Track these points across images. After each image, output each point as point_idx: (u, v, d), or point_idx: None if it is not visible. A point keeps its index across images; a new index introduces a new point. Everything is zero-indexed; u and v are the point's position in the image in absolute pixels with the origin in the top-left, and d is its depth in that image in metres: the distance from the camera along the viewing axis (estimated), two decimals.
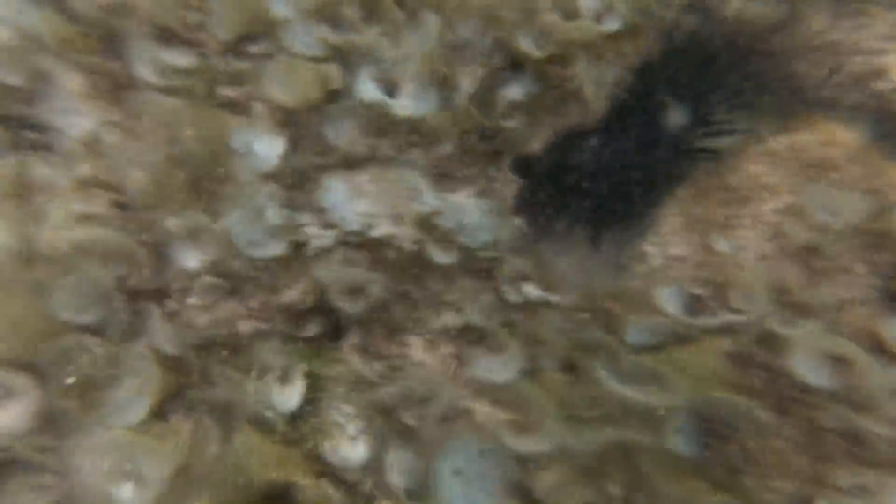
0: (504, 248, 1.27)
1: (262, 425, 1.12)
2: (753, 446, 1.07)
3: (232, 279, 1.20)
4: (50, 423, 1.07)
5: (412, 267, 1.25)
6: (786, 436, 1.07)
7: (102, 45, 1.18)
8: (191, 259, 1.19)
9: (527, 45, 1.26)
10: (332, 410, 1.15)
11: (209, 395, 1.13)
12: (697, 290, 1.22)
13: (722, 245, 1.23)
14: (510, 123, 1.28)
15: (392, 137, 1.26)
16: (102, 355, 1.09)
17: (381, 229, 1.24)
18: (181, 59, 1.21)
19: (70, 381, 1.07)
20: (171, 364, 1.13)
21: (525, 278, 1.26)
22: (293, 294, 1.21)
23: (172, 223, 1.18)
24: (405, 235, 1.24)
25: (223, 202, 1.20)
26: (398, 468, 1.12)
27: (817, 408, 1.08)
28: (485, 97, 1.27)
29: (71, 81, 1.16)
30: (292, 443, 1.13)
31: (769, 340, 1.13)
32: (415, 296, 1.24)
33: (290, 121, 1.24)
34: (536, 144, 1.30)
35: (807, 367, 1.10)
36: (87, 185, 1.17)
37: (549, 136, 1.30)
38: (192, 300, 1.18)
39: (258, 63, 1.23)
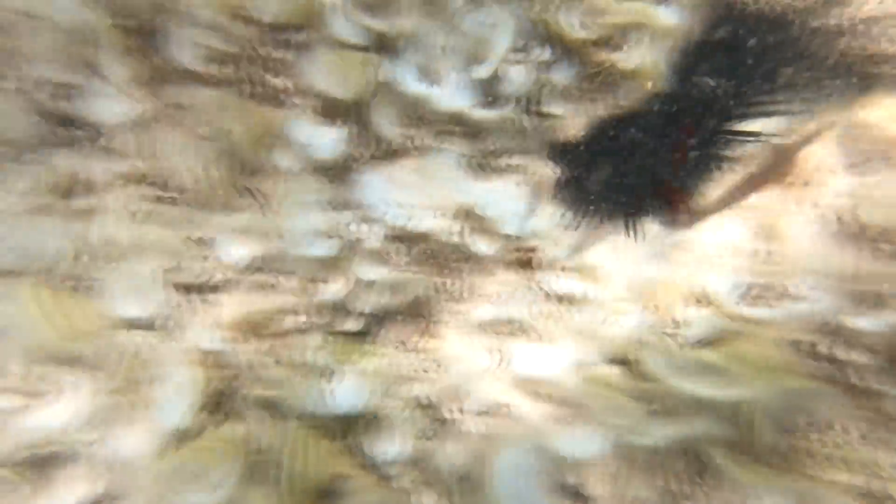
0: (545, 237, 1.24)
1: (309, 420, 1.12)
2: (822, 436, 1.02)
3: (277, 274, 1.20)
4: (99, 417, 1.08)
5: (453, 259, 1.23)
6: (854, 426, 1.02)
7: (146, 37, 1.19)
8: (237, 254, 1.19)
9: (571, 27, 1.22)
10: (374, 404, 1.14)
11: (258, 392, 1.13)
12: (753, 279, 1.16)
13: (780, 230, 1.17)
14: (553, 109, 1.25)
15: (433, 127, 1.24)
16: (151, 351, 1.10)
17: (422, 220, 1.22)
18: (225, 45, 1.20)
19: (119, 376, 1.08)
20: (218, 360, 1.13)
21: (566, 269, 1.23)
22: (335, 288, 1.21)
23: (219, 218, 1.18)
24: (446, 226, 1.22)
25: (270, 197, 1.20)
26: (441, 462, 1.11)
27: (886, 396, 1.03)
28: (530, 85, 1.24)
29: (116, 75, 1.17)
30: (338, 436, 1.13)
31: (833, 329, 1.07)
32: (455, 288, 1.22)
33: (337, 112, 1.23)
34: (578, 130, 1.26)
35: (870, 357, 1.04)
36: (135, 180, 1.18)
37: (592, 121, 1.26)
38: (237, 295, 1.18)
39: (302, 53, 1.22)
